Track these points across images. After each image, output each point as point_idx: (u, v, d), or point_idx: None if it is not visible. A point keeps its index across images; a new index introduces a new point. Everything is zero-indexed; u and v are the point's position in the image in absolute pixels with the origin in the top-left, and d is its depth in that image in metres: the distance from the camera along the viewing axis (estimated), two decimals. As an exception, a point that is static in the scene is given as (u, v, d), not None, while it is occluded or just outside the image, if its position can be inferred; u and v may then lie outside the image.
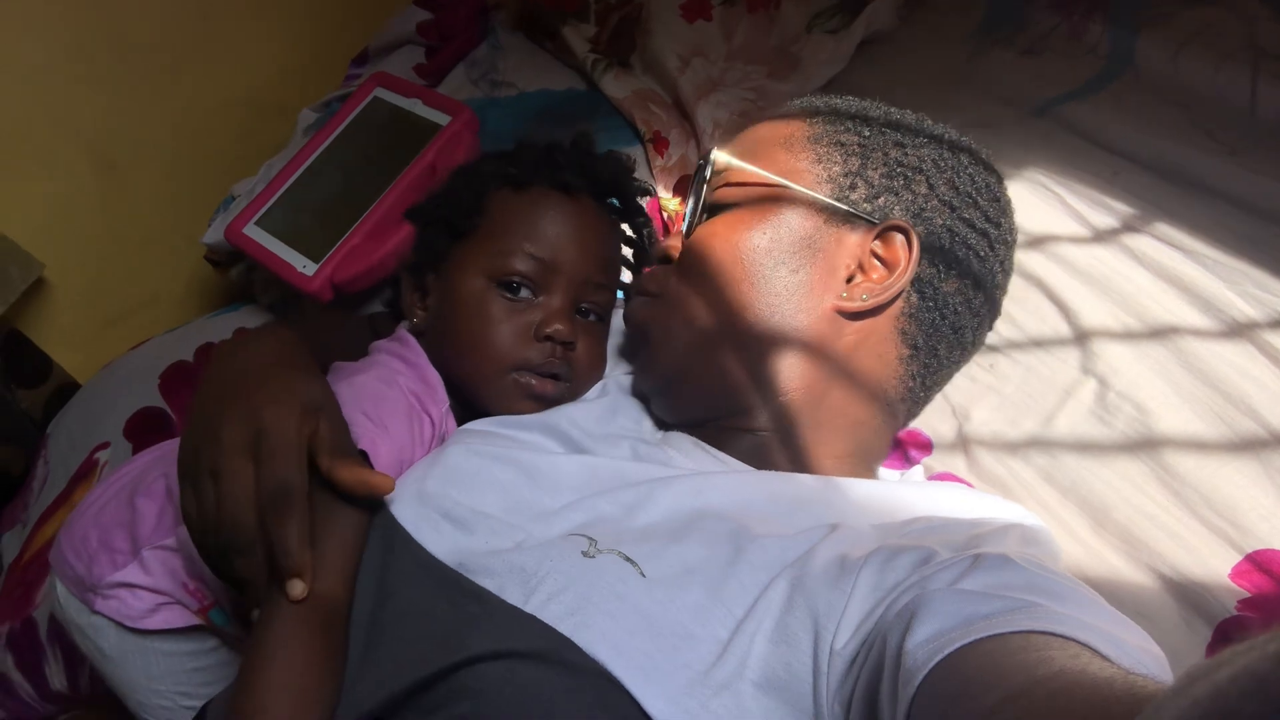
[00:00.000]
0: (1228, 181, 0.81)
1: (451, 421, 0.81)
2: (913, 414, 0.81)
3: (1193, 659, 0.64)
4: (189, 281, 1.47)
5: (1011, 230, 0.79)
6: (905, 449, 0.83)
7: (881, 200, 0.73)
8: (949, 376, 0.80)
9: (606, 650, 0.54)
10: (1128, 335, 0.77)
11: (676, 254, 0.79)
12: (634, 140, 1.14)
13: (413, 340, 0.83)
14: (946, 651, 0.44)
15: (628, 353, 0.88)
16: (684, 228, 0.80)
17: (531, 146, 0.82)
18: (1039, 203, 0.87)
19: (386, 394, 0.73)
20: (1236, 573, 0.66)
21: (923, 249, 0.72)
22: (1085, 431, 0.75)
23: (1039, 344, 0.81)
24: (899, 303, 0.73)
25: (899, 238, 0.72)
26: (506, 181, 0.81)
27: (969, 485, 0.77)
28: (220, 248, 1.27)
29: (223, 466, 0.59)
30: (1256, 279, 0.75)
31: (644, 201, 0.88)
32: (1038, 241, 0.85)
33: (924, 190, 0.73)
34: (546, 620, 0.56)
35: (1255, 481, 0.68)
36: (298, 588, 0.59)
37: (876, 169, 0.74)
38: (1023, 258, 0.85)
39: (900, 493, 0.70)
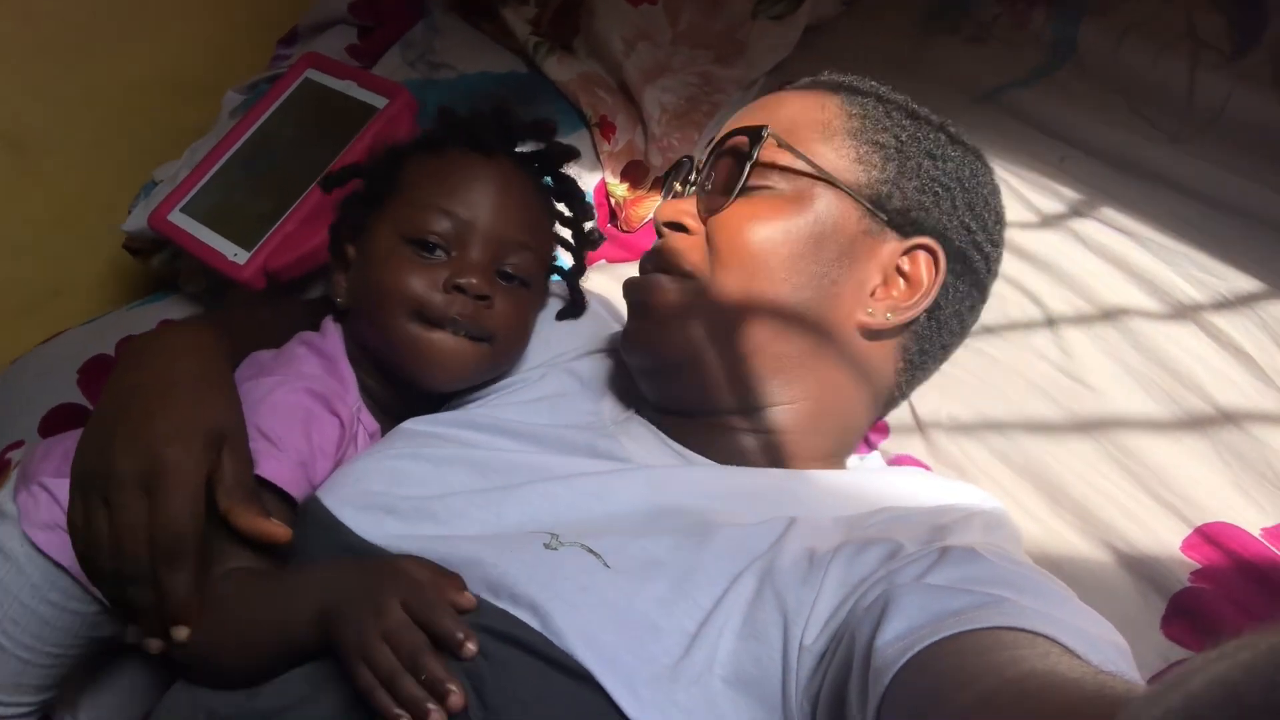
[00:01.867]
0: (1169, 167, 0.83)
1: (367, 417, 0.79)
2: (887, 412, 0.82)
3: (1149, 630, 0.66)
4: (106, 270, 1.40)
5: (1001, 253, 0.80)
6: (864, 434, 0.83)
7: (913, 215, 0.71)
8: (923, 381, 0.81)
9: (577, 641, 0.53)
10: (1079, 318, 0.79)
11: (692, 224, 0.73)
12: (579, 124, 1.12)
13: (334, 331, 0.82)
14: (916, 649, 0.44)
15: (603, 328, 0.86)
16: (703, 202, 0.74)
17: (450, 112, 0.80)
18: (987, 188, 0.88)
19: (284, 404, 0.72)
20: (1187, 545, 0.68)
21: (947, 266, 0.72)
22: (1038, 412, 0.77)
23: (990, 329, 0.82)
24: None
25: (924, 255, 0.71)
26: (422, 146, 0.80)
27: (927, 468, 0.78)
28: (142, 235, 1.20)
29: (114, 498, 0.58)
30: (1199, 261, 0.77)
31: (571, 165, 0.85)
32: (987, 226, 0.86)
33: (949, 208, 0.72)
34: (514, 613, 0.55)
35: (1203, 458, 0.70)
36: (182, 633, 0.59)
37: (911, 180, 0.72)
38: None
39: (862, 481, 0.71)
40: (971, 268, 0.74)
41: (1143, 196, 0.83)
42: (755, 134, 0.72)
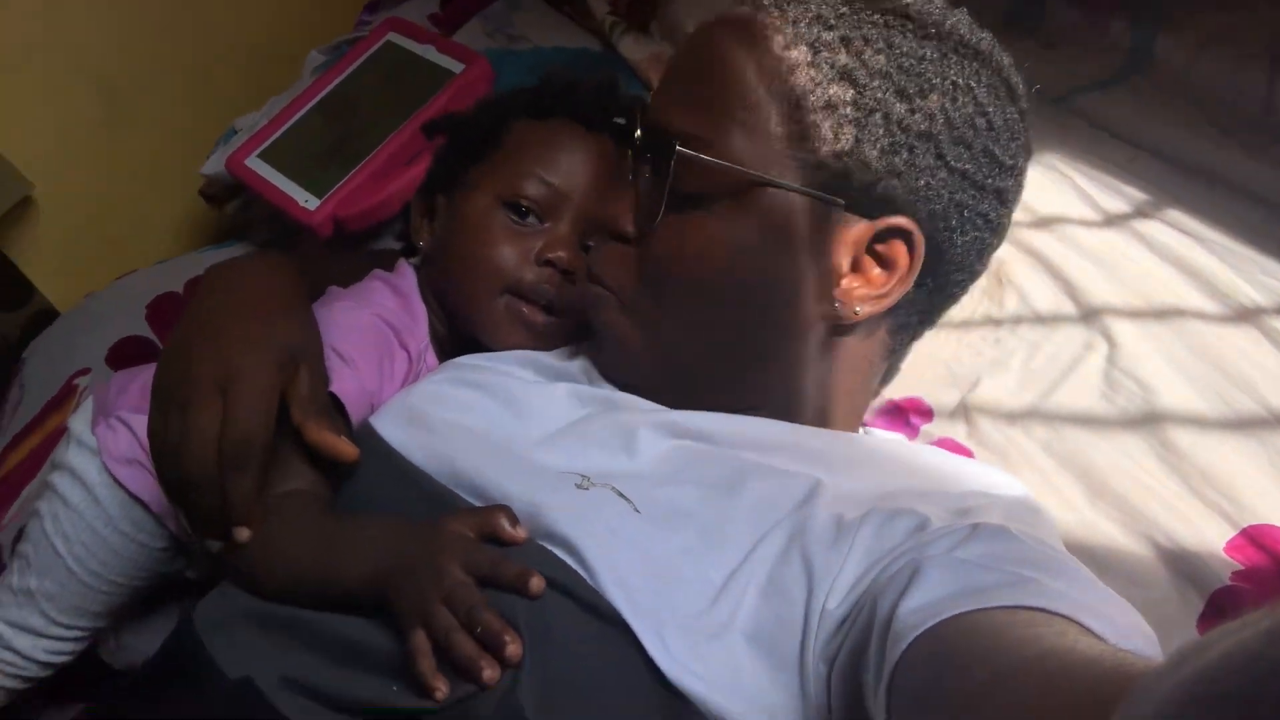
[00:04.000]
0: (1239, 173, 0.83)
1: (432, 358, 0.80)
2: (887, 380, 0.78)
3: (1185, 626, 0.65)
4: (182, 216, 1.45)
5: (1025, 166, 0.67)
6: (906, 415, 0.83)
7: (881, 185, 0.60)
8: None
9: (610, 582, 0.53)
10: (1133, 314, 0.78)
11: (630, 231, 0.66)
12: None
13: (409, 271, 0.83)
14: (936, 620, 0.44)
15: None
16: (636, 213, 0.66)
17: (557, 77, 0.82)
18: (1051, 185, 0.88)
19: (359, 325, 0.73)
20: (1231, 546, 0.67)
21: (926, 237, 0.61)
22: (1087, 405, 0.76)
23: (1043, 320, 0.82)
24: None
25: (901, 240, 0.62)
26: (528, 109, 0.81)
27: (969, 452, 0.78)
28: (218, 180, 1.25)
29: (191, 401, 0.59)
30: (1264, 266, 0.76)
31: None
32: (1047, 222, 0.86)
33: (931, 161, 0.60)
34: (552, 549, 0.55)
35: (1254, 460, 0.69)
36: (243, 534, 0.60)
37: (876, 143, 0.59)
38: (1031, 237, 0.86)
39: (887, 450, 0.70)
40: (974, 214, 0.63)
41: (1210, 201, 0.82)
42: (665, 146, 0.61)
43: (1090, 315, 0.80)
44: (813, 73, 0.59)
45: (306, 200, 1.08)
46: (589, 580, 0.53)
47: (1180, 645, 0.25)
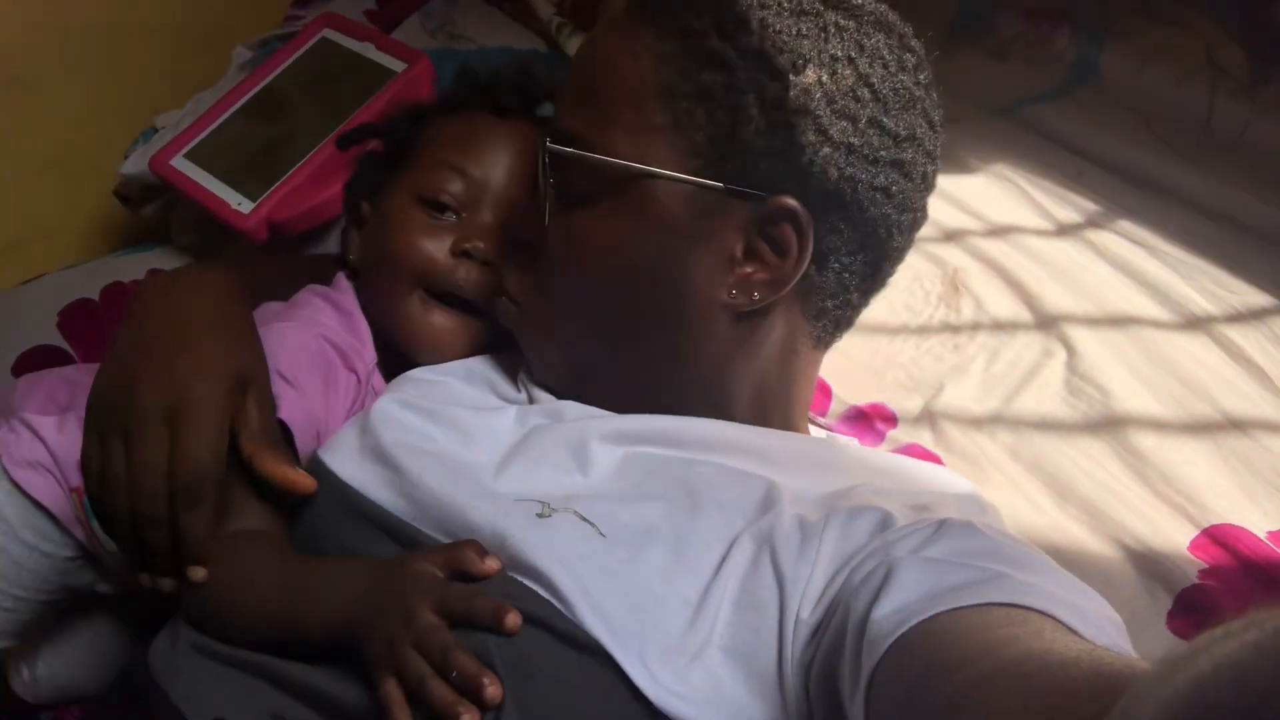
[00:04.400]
0: (1185, 186, 0.86)
1: (378, 379, 0.77)
2: (833, 342, 0.71)
3: (1155, 624, 0.67)
4: (93, 216, 1.36)
5: (930, 136, 0.63)
6: (871, 421, 0.83)
7: (763, 166, 0.58)
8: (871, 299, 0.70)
9: (586, 611, 0.51)
10: (1090, 322, 0.80)
11: (526, 235, 0.66)
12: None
13: (348, 285, 0.79)
14: (910, 624, 0.44)
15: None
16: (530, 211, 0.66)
17: (470, 72, 0.80)
18: (1003, 195, 0.90)
19: (304, 347, 0.70)
20: (1194, 546, 0.69)
21: (818, 216, 0.59)
22: (1049, 410, 0.78)
23: (1001, 327, 0.84)
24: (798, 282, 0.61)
25: (788, 224, 0.59)
26: (442, 106, 0.79)
27: (937, 458, 0.79)
28: (136, 181, 1.17)
29: (135, 433, 0.56)
30: (1213, 275, 0.79)
31: None
32: (1002, 231, 0.88)
33: (812, 137, 0.58)
34: (524, 580, 0.53)
35: (1211, 462, 0.72)
36: (199, 574, 0.57)
37: (751, 123, 0.58)
38: (987, 246, 0.87)
39: (832, 451, 0.69)
40: (871, 186, 0.60)
41: (1158, 212, 0.85)
42: (541, 143, 0.62)
43: (1047, 322, 0.82)
44: (684, 61, 0.59)
45: (239, 203, 1.03)
46: (565, 611, 0.51)
47: (1168, 653, 0.26)
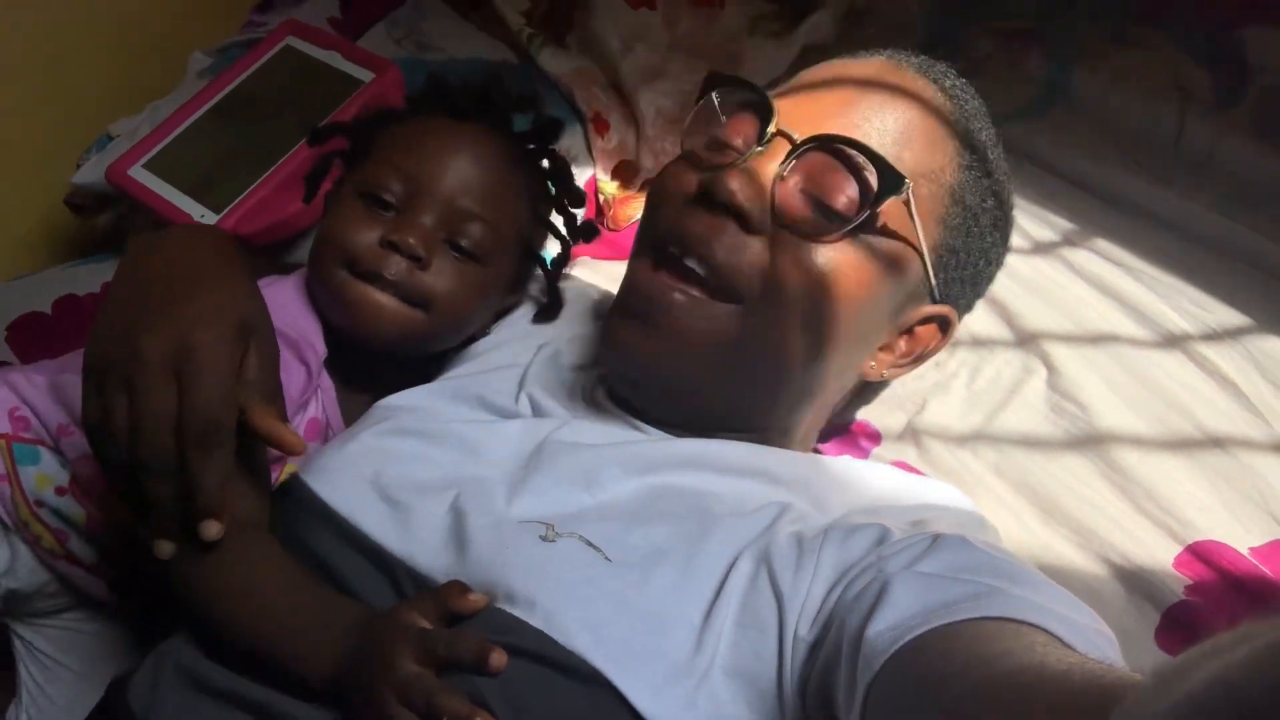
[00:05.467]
0: (1158, 206, 0.88)
1: (326, 379, 0.76)
2: None
3: (1143, 640, 0.68)
4: (41, 226, 1.30)
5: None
6: (855, 438, 0.84)
7: (952, 286, 0.68)
8: None
9: (586, 639, 0.51)
10: (1069, 339, 0.82)
11: (758, 219, 0.60)
12: (572, 119, 1.11)
13: (302, 278, 0.79)
14: (906, 639, 0.44)
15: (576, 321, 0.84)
16: (784, 203, 0.61)
17: (438, 78, 0.80)
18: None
19: None
20: (1179, 562, 0.70)
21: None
22: (1032, 427, 0.79)
23: (981, 343, 0.84)
24: None
25: (937, 322, 0.69)
26: (406, 110, 0.80)
27: (921, 474, 0.79)
28: (92, 190, 1.13)
29: (139, 382, 0.53)
30: (1189, 295, 0.81)
31: (553, 137, 0.84)
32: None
33: (986, 276, 0.72)
34: (516, 614, 0.52)
35: (1192, 478, 0.73)
36: (213, 529, 0.55)
37: (969, 253, 0.68)
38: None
39: (844, 468, 0.70)
40: (966, 310, 0.73)
41: (1132, 231, 0.87)
42: (893, 181, 0.60)
43: (1027, 340, 0.83)
44: (970, 176, 0.66)
45: (203, 215, 0.99)
46: (563, 642, 0.51)
47: (1158, 666, 0.26)
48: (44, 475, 0.74)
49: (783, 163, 0.61)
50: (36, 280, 1.12)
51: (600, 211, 1.09)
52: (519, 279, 0.85)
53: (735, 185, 0.60)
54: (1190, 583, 0.69)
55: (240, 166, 1.03)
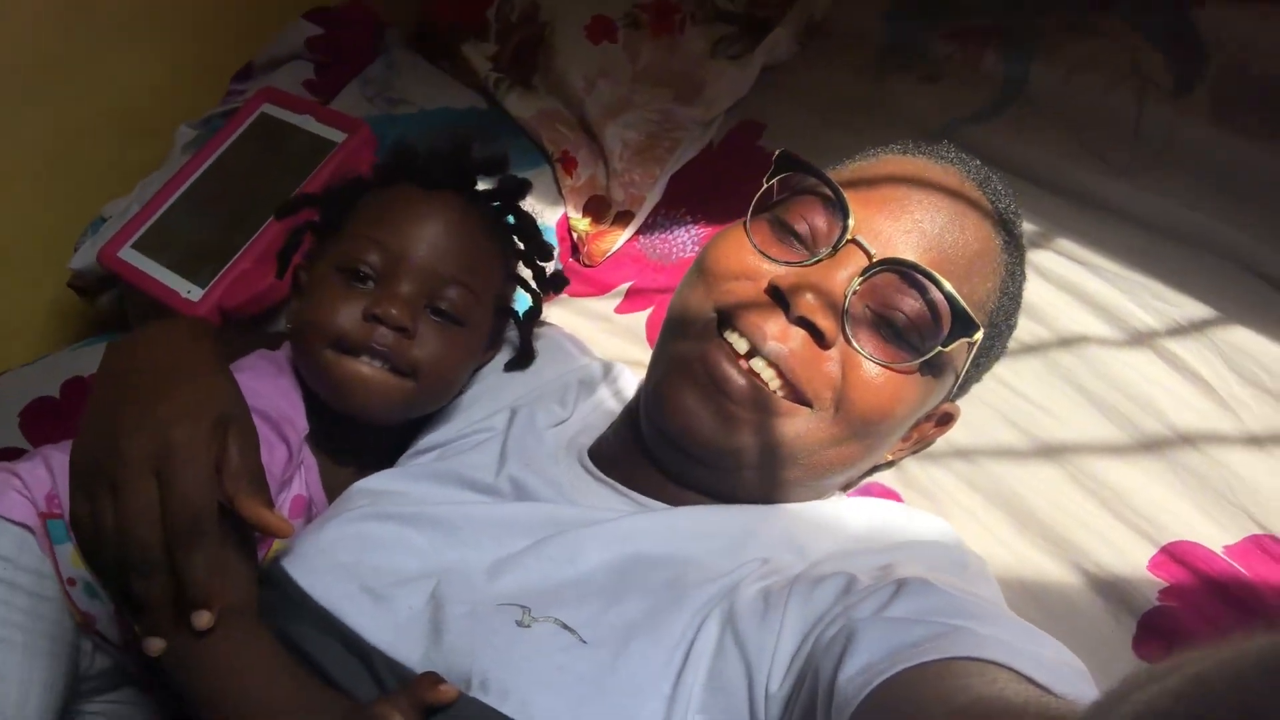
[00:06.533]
0: (1119, 200, 0.86)
1: (308, 455, 0.77)
2: None
3: (1121, 652, 0.67)
4: (49, 310, 1.35)
5: None
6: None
7: (971, 380, 0.76)
8: None
9: None
10: (1038, 345, 0.81)
11: (830, 337, 0.63)
12: (541, 160, 1.12)
13: (287, 353, 0.81)
14: (873, 684, 0.45)
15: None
16: (858, 323, 0.65)
17: (404, 146, 0.81)
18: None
19: None
20: (1154, 564, 0.69)
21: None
22: (1002, 438, 0.78)
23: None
24: None
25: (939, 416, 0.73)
26: (374, 179, 0.81)
27: (897, 496, 0.79)
28: (90, 273, 1.17)
29: (123, 482, 0.55)
30: (1153, 289, 0.79)
31: (533, 203, 0.85)
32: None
33: (978, 378, 0.78)
34: (488, 702, 0.54)
35: (1164, 480, 0.72)
36: (204, 618, 0.56)
37: (987, 360, 0.76)
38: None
39: (824, 513, 0.70)
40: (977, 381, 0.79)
41: (1096, 228, 0.85)
42: (969, 326, 0.64)
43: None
44: (1000, 298, 0.70)
45: (189, 291, 1.03)
46: None
47: (1097, 700, 0.27)
48: (78, 552, 0.76)
49: (859, 278, 0.64)
50: (44, 366, 1.16)
51: (575, 248, 1.10)
52: (496, 335, 0.86)
53: (814, 302, 0.63)
54: (1166, 585, 0.68)
55: (222, 240, 1.06)
